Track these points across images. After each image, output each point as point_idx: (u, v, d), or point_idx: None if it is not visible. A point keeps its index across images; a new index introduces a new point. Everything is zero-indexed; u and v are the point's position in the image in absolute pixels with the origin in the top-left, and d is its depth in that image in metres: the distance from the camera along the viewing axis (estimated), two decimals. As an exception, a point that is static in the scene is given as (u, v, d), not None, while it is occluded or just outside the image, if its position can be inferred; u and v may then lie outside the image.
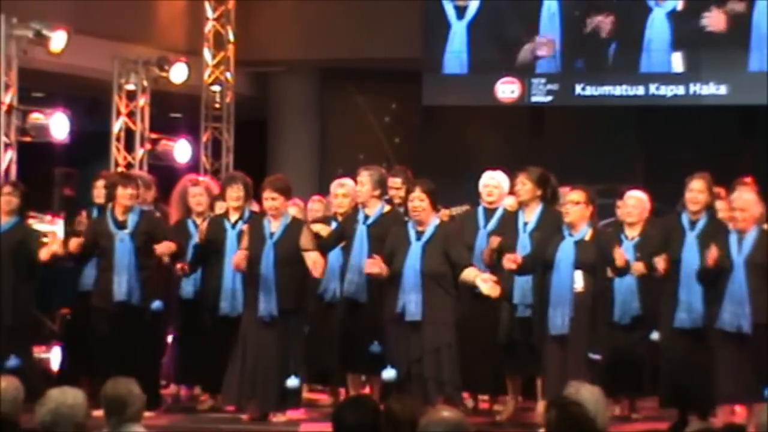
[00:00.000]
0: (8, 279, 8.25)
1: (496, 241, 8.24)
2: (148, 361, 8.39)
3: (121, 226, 8.45)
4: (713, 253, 7.54)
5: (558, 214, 8.19)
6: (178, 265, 8.55)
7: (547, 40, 12.54)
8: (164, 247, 8.39)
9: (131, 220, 8.47)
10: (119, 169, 11.78)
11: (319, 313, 8.71)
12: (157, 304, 8.49)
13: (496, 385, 8.54)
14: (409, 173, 8.99)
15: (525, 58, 12.62)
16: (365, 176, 8.50)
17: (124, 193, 8.43)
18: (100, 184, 9.13)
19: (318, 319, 8.70)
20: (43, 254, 8.21)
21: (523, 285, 8.17)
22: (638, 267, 8.11)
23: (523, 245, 8.21)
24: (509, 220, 8.44)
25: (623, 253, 7.77)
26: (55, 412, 4.68)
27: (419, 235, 7.95)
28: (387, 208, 8.59)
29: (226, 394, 8.23)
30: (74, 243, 8.43)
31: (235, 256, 8.28)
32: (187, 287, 8.87)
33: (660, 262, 7.84)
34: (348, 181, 8.87)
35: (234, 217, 8.77)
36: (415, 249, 7.89)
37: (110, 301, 8.33)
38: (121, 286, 8.30)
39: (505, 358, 8.34)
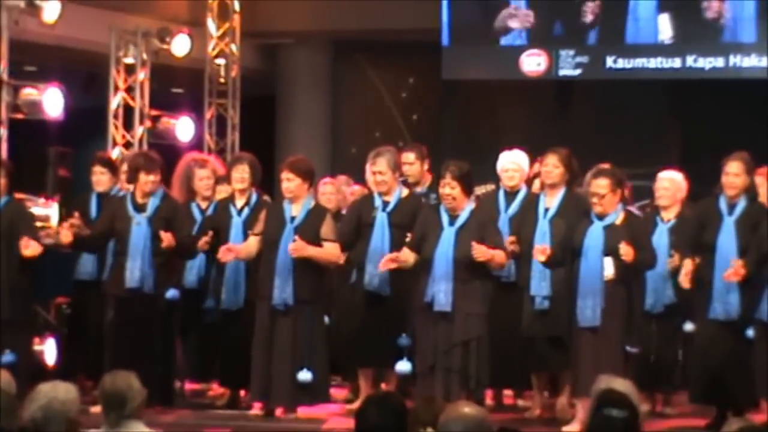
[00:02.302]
0: (4, 266, 8.27)
1: (512, 244, 8.21)
2: (162, 354, 8.40)
3: (140, 209, 8.47)
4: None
5: (580, 198, 8.22)
6: (202, 239, 8.49)
7: (523, 12, 12.50)
8: (167, 241, 8.37)
9: (151, 204, 8.50)
10: (117, 149, 11.82)
11: (349, 303, 8.71)
12: (172, 293, 8.52)
13: (521, 379, 8.59)
14: (424, 149, 9.01)
15: (500, 24, 12.66)
16: (383, 163, 8.46)
17: (146, 180, 8.47)
18: (99, 169, 9.19)
19: (347, 309, 8.71)
20: (28, 251, 8.16)
21: (539, 275, 8.16)
22: (674, 261, 8.16)
23: (542, 232, 8.23)
24: (531, 205, 8.44)
25: (631, 250, 7.67)
26: (47, 407, 4.66)
27: (452, 220, 7.93)
28: (405, 191, 8.60)
29: (250, 389, 8.30)
30: (65, 236, 8.40)
31: (244, 243, 8.32)
32: (191, 277, 8.91)
33: (687, 264, 7.83)
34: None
35: (240, 201, 8.78)
36: (448, 235, 7.88)
37: (122, 287, 8.35)
38: (134, 272, 8.32)
39: (528, 352, 8.37)
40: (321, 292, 8.29)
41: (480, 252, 7.65)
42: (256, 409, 8.36)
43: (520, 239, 8.27)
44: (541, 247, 7.90)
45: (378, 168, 8.49)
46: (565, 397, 8.34)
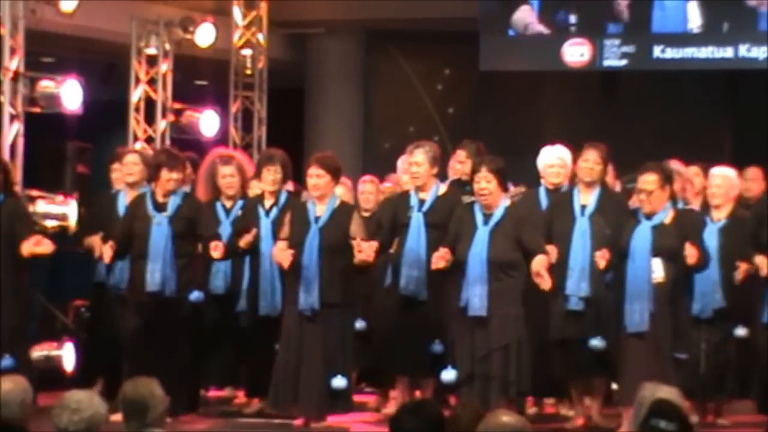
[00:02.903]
0: (3, 268, 8.18)
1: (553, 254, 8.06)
2: (185, 359, 8.38)
3: (160, 208, 8.45)
4: None
5: (617, 195, 8.17)
6: (245, 238, 8.46)
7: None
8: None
9: (172, 202, 8.46)
10: (138, 144, 11.79)
11: (382, 307, 8.67)
12: (195, 295, 8.48)
13: (560, 387, 8.55)
14: (481, 146, 8.91)
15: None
16: (420, 154, 8.40)
17: (169, 177, 8.44)
18: (119, 166, 9.17)
19: (381, 314, 8.67)
20: (25, 249, 8.06)
21: (579, 274, 8.08)
22: (742, 268, 8.14)
23: (582, 231, 8.15)
24: (565, 202, 8.35)
25: (695, 251, 7.60)
26: (90, 420, 4.75)
27: (487, 218, 7.87)
28: (443, 188, 8.53)
29: (269, 397, 8.27)
30: (107, 252, 8.33)
31: (274, 249, 8.27)
32: (217, 281, 8.88)
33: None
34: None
35: (269, 202, 8.76)
36: (482, 234, 7.83)
37: (142, 292, 8.32)
38: (155, 274, 8.29)
39: (560, 358, 8.30)
40: (350, 296, 8.25)
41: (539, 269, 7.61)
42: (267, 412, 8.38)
43: (552, 237, 8.15)
44: (602, 252, 7.81)
45: (415, 159, 8.41)
46: (597, 404, 8.32)
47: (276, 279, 8.50)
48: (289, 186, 9.00)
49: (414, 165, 8.41)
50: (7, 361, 8.02)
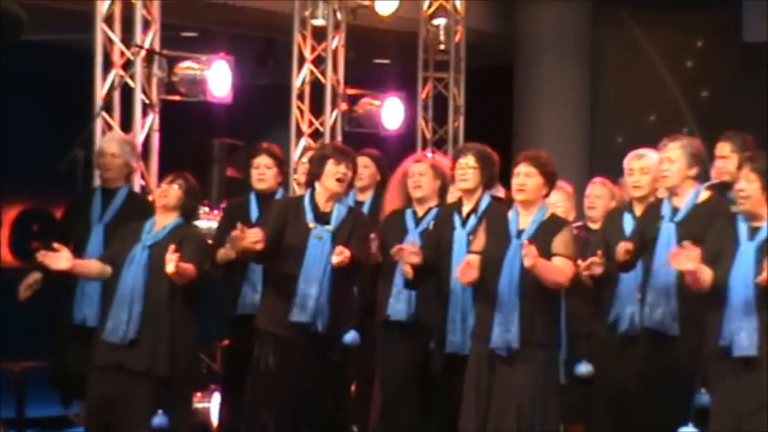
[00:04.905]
0: (166, 306, 8.28)
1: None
2: (335, 415, 8.44)
3: (321, 218, 8.43)
4: None
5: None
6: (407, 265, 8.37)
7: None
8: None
9: (337, 212, 8.45)
10: (303, 140, 11.88)
11: (608, 348, 8.71)
12: (351, 336, 8.43)
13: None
14: (749, 138, 8.78)
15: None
16: (676, 149, 8.31)
17: (336, 170, 8.46)
18: (264, 161, 9.26)
19: (605, 356, 8.74)
20: (168, 264, 8.09)
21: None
22: None
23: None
24: None
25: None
26: None
27: (752, 232, 7.77)
28: (704, 194, 8.38)
29: None
30: (257, 235, 8.13)
31: (461, 263, 8.14)
32: (399, 305, 8.90)
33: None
34: (649, 153, 8.73)
35: (467, 206, 8.69)
36: (746, 253, 7.69)
37: (284, 323, 8.32)
38: (306, 302, 8.33)
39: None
40: (558, 332, 8.07)
41: None
42: None
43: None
44: None
45: (668, 154, 8.33)
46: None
47: (468, 303, 8.42)
48: (500, 191, 8.89)
49: (666, 161, 8.33)
50: (160, 419, 8.12)
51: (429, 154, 9.89)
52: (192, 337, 8.38)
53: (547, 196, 8.16)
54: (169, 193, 8.36)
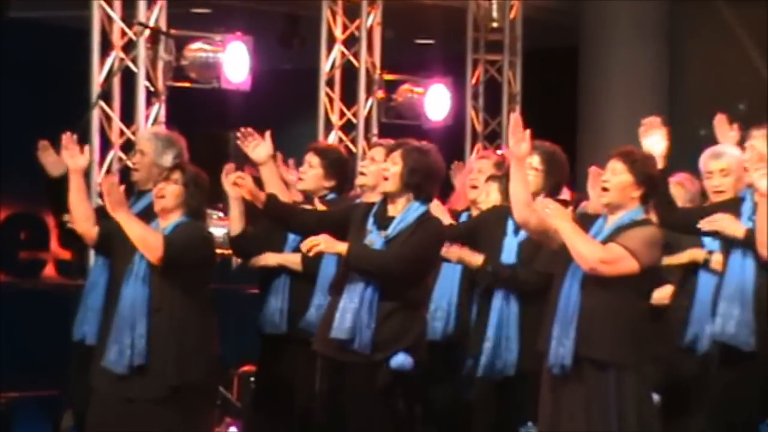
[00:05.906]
0: (177, 321, 8.27)
1: None
2: None
3: (383, 224, 8.42)
4: None
5: None
6: None
7: None
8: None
9: (401, 218, 8.39)
10: (334, 134, 12.04)
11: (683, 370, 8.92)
12: (401, 360, 8.31)
13: None
14: None
15: None
16: (761, 142, 8.39)
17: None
18: (308, 159, 9.21)
19: (679, 378, 8.91)
20: None
21: None
22: None
23: None
24: None
25: None
26: None
27: None
28: None
29: None
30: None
31: None
32: (436, 322, 9.13)
33: None
34: (727, 149, 8.88)
35: None
36: None
37: (325, 340, 8.35)
38: (346, 315, 8.29)
39: None
40: (643, 350, 7.93)
41: None
42: None
43: None
44: None
45: (755, 144, 8.44)
46: None
47: (513, 319, 8.68)
48: (564, 194, 8.87)
49: (757, 158, 8.30)
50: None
51: (499, 151, 10.05)
52: (210, 349, 8.30)
53: (642, 200, 7.93)
54: (164, 192, 8.20)
